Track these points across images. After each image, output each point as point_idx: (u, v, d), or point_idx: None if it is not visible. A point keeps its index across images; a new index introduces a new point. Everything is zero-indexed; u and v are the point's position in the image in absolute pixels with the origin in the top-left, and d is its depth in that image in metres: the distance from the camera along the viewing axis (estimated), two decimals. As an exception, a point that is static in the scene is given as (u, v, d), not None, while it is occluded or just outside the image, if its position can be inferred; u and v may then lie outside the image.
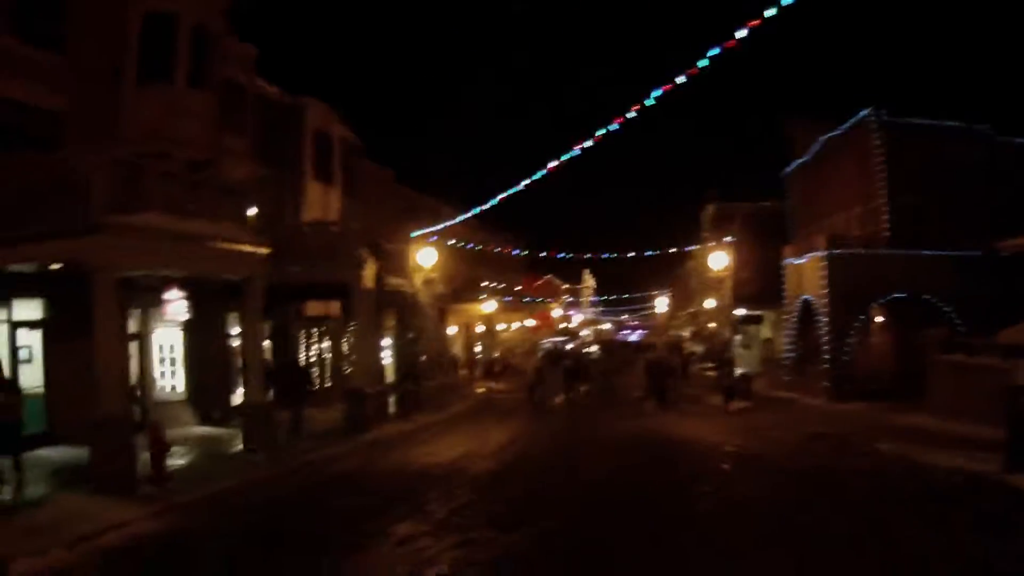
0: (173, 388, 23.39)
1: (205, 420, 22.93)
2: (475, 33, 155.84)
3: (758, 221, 47.49)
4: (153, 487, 14.28)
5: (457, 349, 54.14)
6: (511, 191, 28.38)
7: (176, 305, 21.44)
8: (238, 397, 23.14)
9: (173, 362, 23.46)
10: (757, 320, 45.85)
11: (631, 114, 20.68)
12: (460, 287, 55.28)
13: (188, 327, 23.15)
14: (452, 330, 52.44)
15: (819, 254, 30.69)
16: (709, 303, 59.05)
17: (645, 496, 14.02)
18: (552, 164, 24.88)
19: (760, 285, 45.58)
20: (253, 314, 19.28)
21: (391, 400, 27.55)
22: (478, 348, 58.68)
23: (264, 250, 19.20)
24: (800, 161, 39.07)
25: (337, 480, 16.34)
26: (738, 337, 47.93)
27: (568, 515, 12.60)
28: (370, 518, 12.32)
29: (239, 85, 25.70)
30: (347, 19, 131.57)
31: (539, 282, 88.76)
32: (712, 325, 59.97)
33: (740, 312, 44.38)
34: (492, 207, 30.22)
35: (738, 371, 35.38)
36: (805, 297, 32.81)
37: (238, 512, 13.62)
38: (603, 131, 22.00)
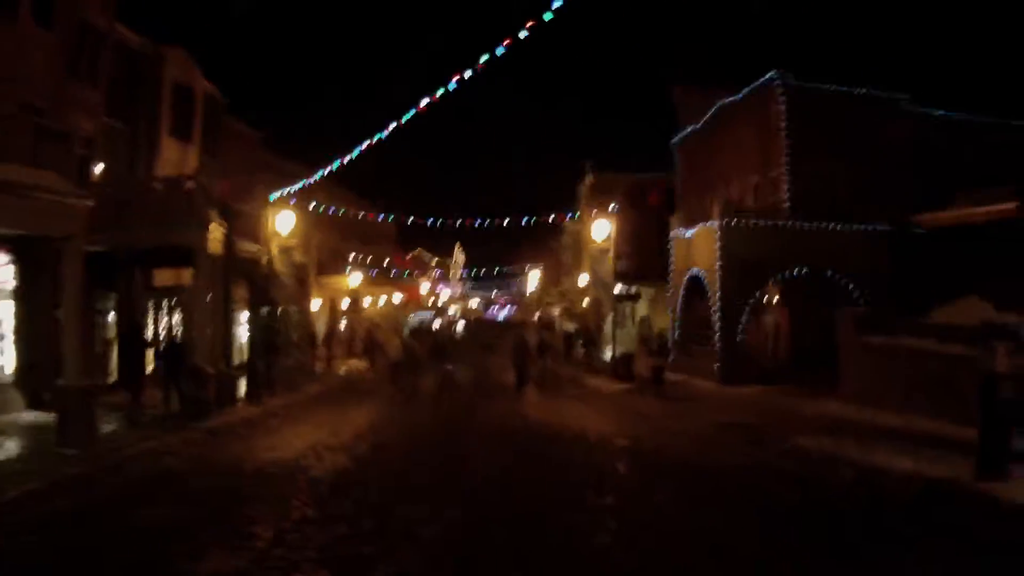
0: (0, 368, 18.62)
1: (35, 404, 18.31)
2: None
3: (637, 194, 44.57)
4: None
5: (321, 325, 49.70)
6: (362, 147, 24.77)
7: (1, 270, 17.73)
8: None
9: (1, 337, 18.71)
10: (634, 298, 42.58)
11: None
12: (325, 259, 51.18)
13: (19, 297, 18.79)
14: (316, 304, 47.88)
15: (712, 224, 27.32)
16: (583, 279, 55.97)
17: (531, 515, 9.84)
18: (404, 118, 22.67)
19: (637, 261, 42.62)
20: (73, 279, 15.46)
21: (241, 381, 23.37)
22: (343, 324, 54.09)
23: (87, 203, 15.71)
24: (691, 128, 35.79)
25: (157, 482, 12.52)
26: (610, 315, 44.87)
27: (430, 543, 8.63)
28: (174, 540, 8.81)
29: (97, 30, 22.31)
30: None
31: (408, 256, 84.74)
32: (585, 302, 56.87)
33: (617, 289, 41.16)
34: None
35: (618, 350, 32.06)
36: (694, 271, 29.48)
37: (15, 528, 9.53)
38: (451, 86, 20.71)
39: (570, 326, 54.64)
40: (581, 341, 43.41)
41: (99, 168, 22.94)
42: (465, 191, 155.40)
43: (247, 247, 24.35)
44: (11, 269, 18.57)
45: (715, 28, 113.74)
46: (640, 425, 17.88)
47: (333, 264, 51.54)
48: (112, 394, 22.51)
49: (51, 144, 15.34)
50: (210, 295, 21.34)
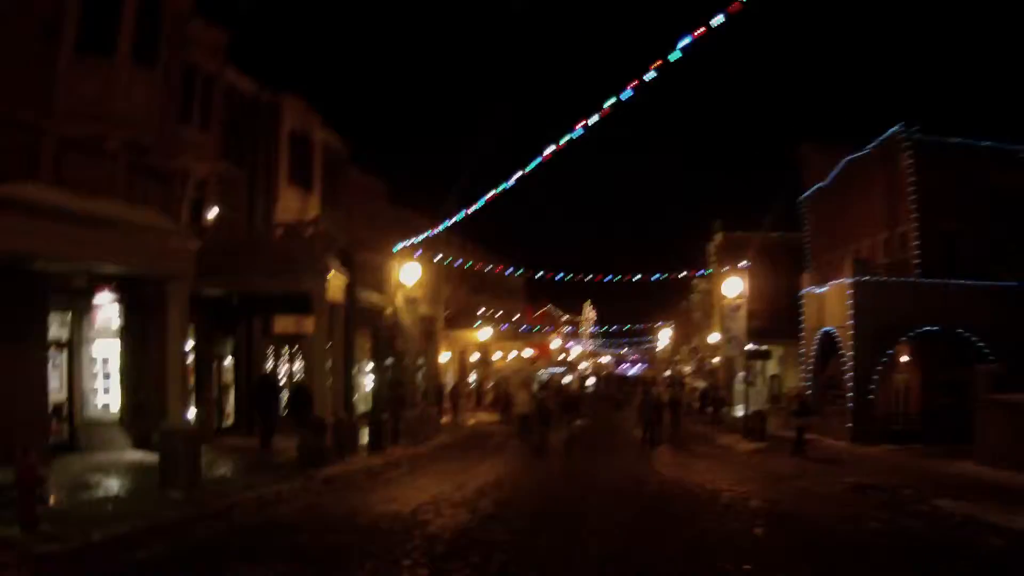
0: (107, 407, 19.63)
1: (141, 444, 18.81)
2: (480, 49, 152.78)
3: (767, 252, 44.25)
4: (20, 532, 10.66)
5: (450, 377, 50.72)
6: (487, 197, 24.95)
7: (107, 310, 18.12)
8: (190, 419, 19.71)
9: (107, 376, 19.71)
10: (765, 355, 42.06)
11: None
12: (455, 312, 52.16)
13: (126, 338, 19.57)
14: (445, 357, 48.94)
15: (844, 281, 27.10)
16: (713, 337, 55.56)
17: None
18: (528, 168, 22.90)
19: (768, 319, 42.22)
20: (177, 321, 15.55)
21: (365, 431, 23.76)
22: (472, 377, 55.06)
23: (192, 244, 15.83)
24: (818, 186, 35.59)
25: (260, 532, 12.42)
26: (741, 373, 44.35)
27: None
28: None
29: (207, 74, 22.59)
30: (351, 21, 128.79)
31: (538, 312, 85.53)
32: (716, 360, 56.37)
33: (748, 346, 40.78)
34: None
35: (750, 409, 31.81)
36: (826, 329, 29.20)
37: (106, 570, 9.99)
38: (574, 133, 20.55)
39: (700, 384, 54.34)
40: (711, 398, 43.03)
41: (214, 212, 23.27)
42: (594, 249, 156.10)
43: (371, 297, 24.64)
44: (116, 308, 18.78)
45: (840, 83, 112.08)
46: (774, 486, 17.73)
47: (463, 317, 51.81)
48: (228, 437, 23.19)
49: (155, 183, 15.51)
50: (331, 344, 21.39)
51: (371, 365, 29.52)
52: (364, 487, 17.16)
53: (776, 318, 42.96)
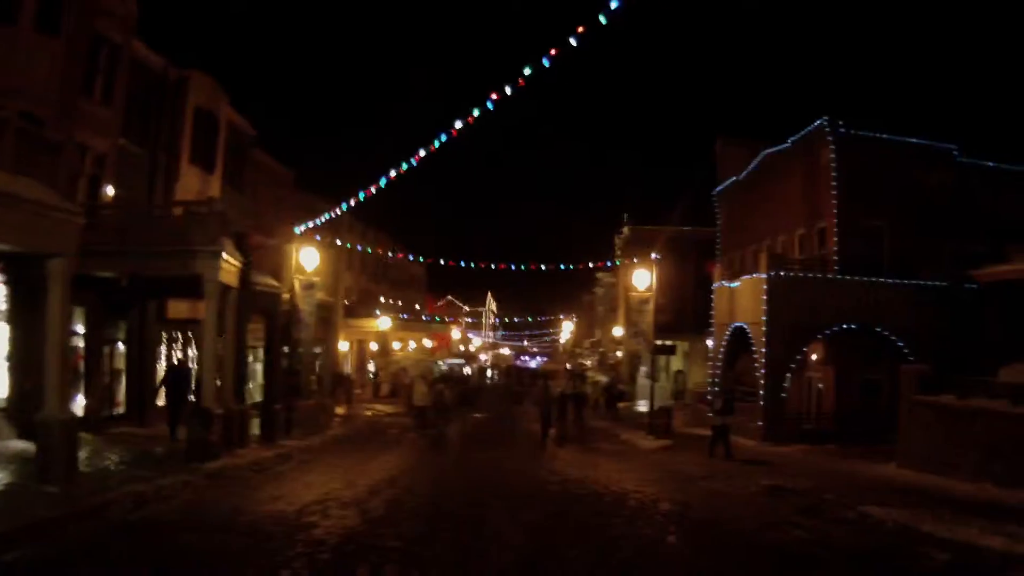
0: (-8, 394, 17.38)
1: (27, 434, 16.37)
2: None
3: (674, 246, 43.47)
4: None
5: (348, 367, 48.48)
6: (390, 175, 23.85)
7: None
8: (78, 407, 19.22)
9: None
10: (670, 351, 40.97)
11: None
12: (355, 302, 50.19)
13: (12, 321, 17.53)
14: (344, 346, 46.75)
15: (759, 276, 25.83)
16: (617, 331, 54.45)
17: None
18: (436, 142, 22.27)
19: (673, 313, 41.26)
20: (58, 301, 13.82)
21: (257, 422, 22.17)
22: (371, 366, 52.85)
23: (77, 220, 14.15)
24: (733, 179, 34.47)
25: (132, 533, 10.88)
26: (643, 368, 43.21)
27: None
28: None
29: (113, 46, 21.26)
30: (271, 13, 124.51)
31: (440, 302, 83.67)
32: (619, 354, 55.28)
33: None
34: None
35: (656, 405, 30.40)
36: (737, 324, 27.92)
37: None
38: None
39: (602, 378, 53.06)
40: (614, 394, 41.65)
41: (111, 191, 21.88)
42: (498, 240, 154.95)
43: (267, 282, 22.99)
44: (2, 289, 17.40)
45: (756, 80, 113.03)
46: (685, 488, 16.13)
47: (363, 306, 50.68)
48: (119, 426, 21.74)
49: (48, 156, 13.88)
50: (226, 331, 20.01)
51: (265, 353, 27.32)
52: (251, 483, 15.48)
53: (681, 313, 42.09)
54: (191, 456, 16.71)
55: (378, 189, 24.04)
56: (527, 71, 19.32)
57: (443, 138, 22.23)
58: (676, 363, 44.05)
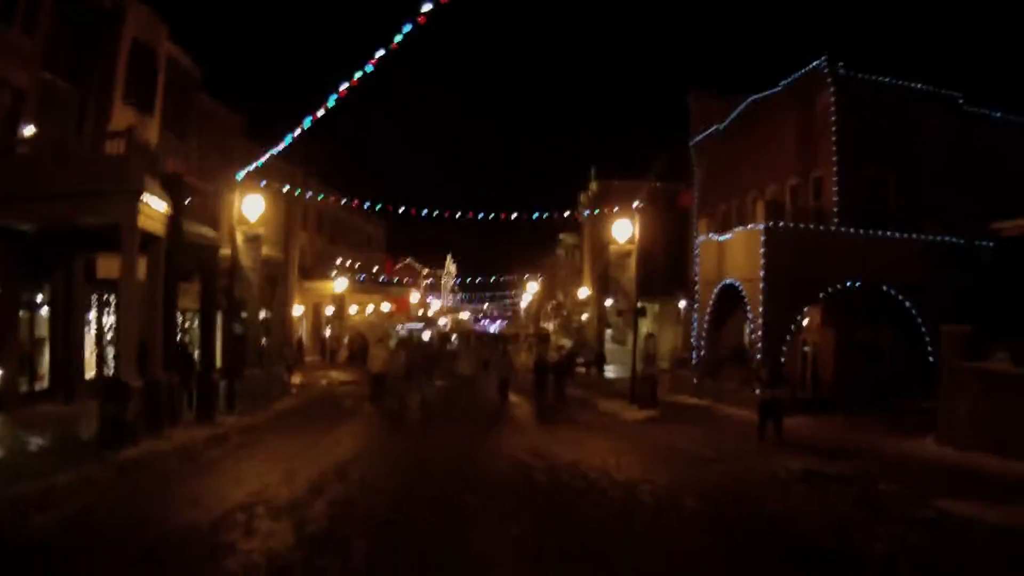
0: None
1: None
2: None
3: (644, 202, 40.19)
4: None
5: (302, 332, 45.02)
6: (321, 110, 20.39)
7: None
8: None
9: None
10: (641, 312, 38.11)
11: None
12: (310, 263, 46.67)
13: None
14: (298, 310, 43.30)
15: (755, 227, 22.85)
16: (583, 292, 51.53)
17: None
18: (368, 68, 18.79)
19: (642, 274, 38.35)
20: None
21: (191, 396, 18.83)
22: (327, 331, 49.39)
23: None
24: (715, 127, 31.36)
25: (18, 548, 8.30)
26: (609, 331, 40.27)
27: None
28: None
29: None
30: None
31: (399, 264, 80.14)
32: (584, 316, 52.36)
33: (609, 303, 36.56)
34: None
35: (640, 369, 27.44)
36: (727, 282, 24.97)
37: None
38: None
39: (566, 341, 50.08)
40: (583, 360, 38.66)
41: (31, 129, 18.43)
42: (461, 197, 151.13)
43: (202, 231, 19.37)
44: None
45: (731, 32, 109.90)
46: (700, 475, 13.07)
47: (319, 268, 47.19)
48: (40, 404, 18.28)
49: None
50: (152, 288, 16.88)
51: (200, 315, 23.68)
52: (170, 476, 12.44)
53: (651, 273, 39.11)
54: (104, 442, 13.56)
55: (316, 121, 20.46)
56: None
57: (372, 63, 18.73)
58: (646, 325, 41.18)
